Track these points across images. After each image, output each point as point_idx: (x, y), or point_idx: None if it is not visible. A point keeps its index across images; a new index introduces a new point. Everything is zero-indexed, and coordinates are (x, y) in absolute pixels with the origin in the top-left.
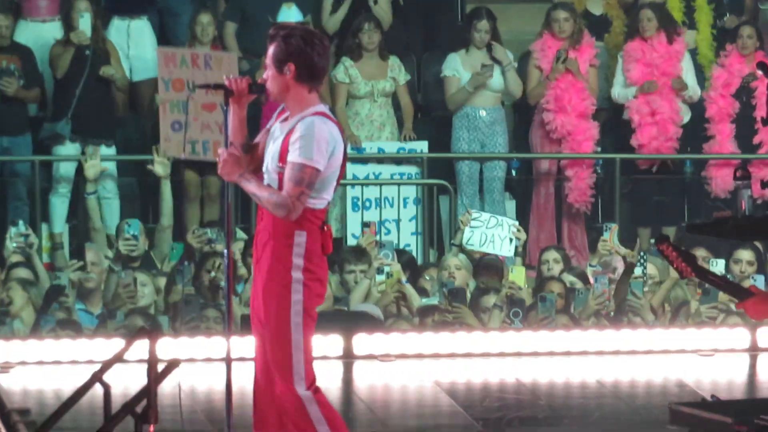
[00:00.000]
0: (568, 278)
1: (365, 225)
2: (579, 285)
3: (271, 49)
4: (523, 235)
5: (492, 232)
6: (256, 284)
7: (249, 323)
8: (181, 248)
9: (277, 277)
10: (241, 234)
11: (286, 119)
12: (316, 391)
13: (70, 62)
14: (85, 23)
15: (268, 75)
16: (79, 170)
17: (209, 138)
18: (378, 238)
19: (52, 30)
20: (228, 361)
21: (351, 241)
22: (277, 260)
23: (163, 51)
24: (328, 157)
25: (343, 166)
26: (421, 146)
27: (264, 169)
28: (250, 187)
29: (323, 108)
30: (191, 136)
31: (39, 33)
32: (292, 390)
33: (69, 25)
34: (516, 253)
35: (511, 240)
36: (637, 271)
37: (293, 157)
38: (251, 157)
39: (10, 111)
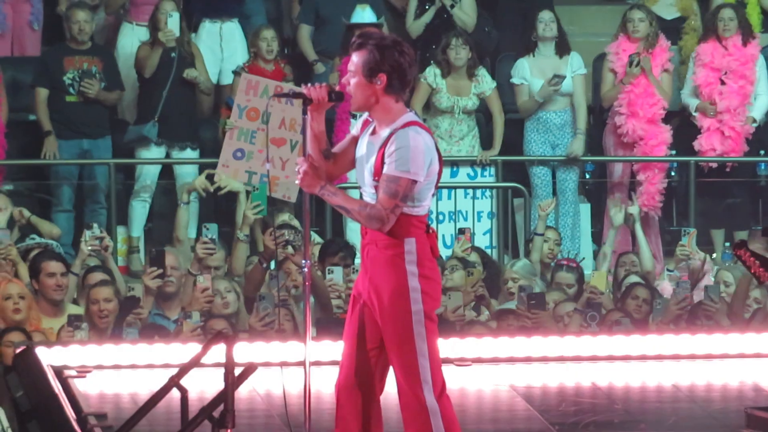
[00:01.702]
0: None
1: (460, 232)
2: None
3: (358, 57)
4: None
5: None
6: (365, 298)
7: (324, 327)
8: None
9: (395, 286)
10: (317, 238)
11: (374, 132)
12: (444, 397)
13: (158, 64)
14: (173, 22)
15: (351, 82)
16: (164, 174)
17: (269, 173)
18: (472, 244)
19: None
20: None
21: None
22: (391, 270)
23: (248, 78)
24: (426, 167)
25: (439, 173)
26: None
27: (360, 182)
28: (336, 199)
29: (414, 117)
30: (251, 166)
31: (144, 36)
32: (419, 397)
33: (155, 27)
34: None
35: None
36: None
37: (389, 169)
38: (333, 164)
39: (91, 113)
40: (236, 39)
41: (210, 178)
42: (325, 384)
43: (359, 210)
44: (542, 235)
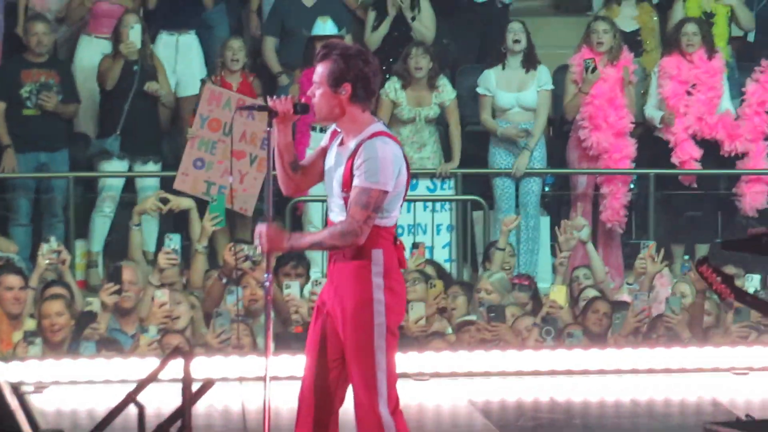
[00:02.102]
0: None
1: (414, 246)
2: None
3: (322, 68)
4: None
5: None
6: (328, 308)
7: (284, 341)
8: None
9: (360, 298)
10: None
11: (342, 143)
12: (398, 412)
13: (120, 77)
14: (135, 34)
15: (317, 93)
16: (126, 187)
17: (228, 184)
18: (430, 257)
19: (107, 47)
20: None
21: None
22: (357, 281)
23: (211, 89)
24: (395, 177)
25: (407, 183)
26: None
27: (329, 193)
28: (305, 241)
29: (381, 127)
30: (211, 176)
31: (101, 49)
32: (375, 410)
33: (117, 39)
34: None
35: None
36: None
37: (359, 181)
38: (302, 176)
39: (49, 126)
40: (193, 51)
41: (162, 199)
42: (284, 399)
43: (330, 233)
44: (503, 249)
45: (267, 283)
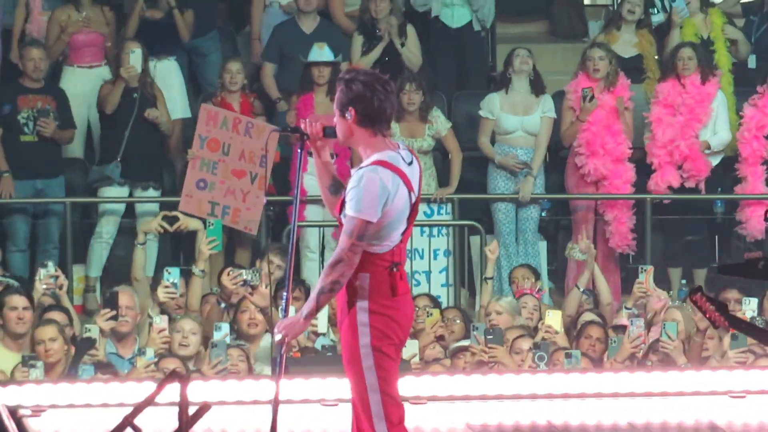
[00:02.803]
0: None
1: None
2: (611, 334)
3: (336, 94)
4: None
5: None
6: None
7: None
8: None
9: (348, 321)
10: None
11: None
12: (401, 430)
13: (120, 104)
14: (135, 59)
15: (334, 119)
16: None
17: (231, 204)
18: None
19: (101, 74)
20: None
21: None
22: (345, 305)
23: (207, 108)
24: (380, 208)
25: (414, 209)
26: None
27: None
28: (312, 302)
29: (385, 155)
30: (214, 197)
31: (87, 78)
32: (371, 429)
33: (118, 65)
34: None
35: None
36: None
37: (347, 209)
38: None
39: (46, 152)
40: (172, 77)
41: (167, 219)
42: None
43: (323, 274)
44: (492, 279)
45: (284, 302)
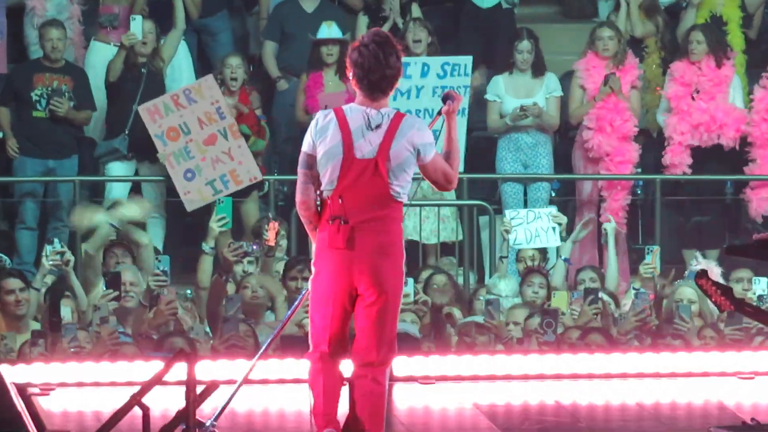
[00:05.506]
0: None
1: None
2: (612, 306)
3: None
4: (563, 219)
5: (534, 226)
6: None
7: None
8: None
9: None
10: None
11: None
12: (316, 357)
13: (128, 79)
14: (136, 26)
15: None
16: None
17: (224, 170)
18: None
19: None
20: None
21: None
22: None
23: (145, 108)
24: (308, 144)
25: (347, 152)
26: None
27: None
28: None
29: (350, 104)
30: (206, 176)
31: (105, 54)
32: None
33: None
34: (562, 239)
35: (554, 228)
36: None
37: None
38: None
39: (59, 132)
40: (179, 55)
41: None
42: (288, 402)
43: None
44: (506, 257)
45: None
